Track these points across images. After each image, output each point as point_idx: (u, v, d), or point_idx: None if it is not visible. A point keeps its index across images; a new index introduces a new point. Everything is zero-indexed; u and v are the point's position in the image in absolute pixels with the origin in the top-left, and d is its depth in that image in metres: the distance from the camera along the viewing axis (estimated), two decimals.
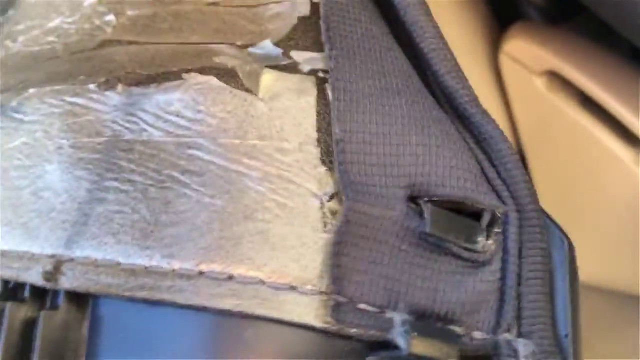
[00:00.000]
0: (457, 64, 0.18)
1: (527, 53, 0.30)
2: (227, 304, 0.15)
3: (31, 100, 0.19)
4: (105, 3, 0.21)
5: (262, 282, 0.15)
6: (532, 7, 0.35)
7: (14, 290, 0.19)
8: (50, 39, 0.22)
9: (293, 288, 0.16)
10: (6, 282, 0.19)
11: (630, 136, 0.27)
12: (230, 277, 0.16)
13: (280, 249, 0.16)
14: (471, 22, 0.33)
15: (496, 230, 0.17)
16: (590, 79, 0.28)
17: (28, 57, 0.22)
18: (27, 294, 0.18)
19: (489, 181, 0.17)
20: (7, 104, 0.20)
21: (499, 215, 0.17)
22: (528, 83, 0.30)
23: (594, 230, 0.30)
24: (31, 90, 0.19)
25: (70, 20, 0.21)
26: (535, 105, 0.31)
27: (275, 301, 0.15)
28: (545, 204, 0.31)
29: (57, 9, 0.22)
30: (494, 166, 0.18)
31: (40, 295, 0.18)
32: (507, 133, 0.32)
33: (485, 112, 0.18)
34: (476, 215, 0.17)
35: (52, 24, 0.22)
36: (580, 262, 0.31)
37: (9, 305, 0.18)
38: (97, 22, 0.20)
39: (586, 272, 0.31)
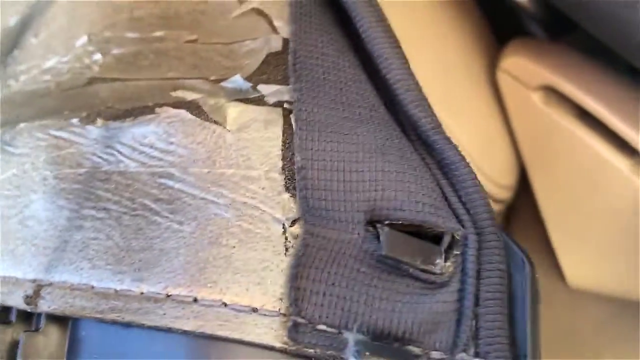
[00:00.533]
0: (421, 93, 0.19)
1: (522, 69, 0.31)
2: (190, 325, 0.16)
3: (22, 134, 0.21)
4: (94, 42, 0.22)
5: (224, 304, 0.16)
6: (533, 21, 0.35)
7: (5, 314, 0.20)
8: (46, 77, 0.23)
9: (254, 310, 0.16)
10: None
11: (628, 147, 0.27)
12: (195, 300, 0.16)
13: (242, 272, 0.17)
14: (470, 39, 0.34)
15: (455, 252, 0.17)
16: (586, 93, 0.29)
17: (25, 94, 0.23)
18: (13, 317, 0.19)
19: (449, 205, 0.18)
20: (1, 138, 0.21)
21: (458, 237, 0.17)
22: (525, 98, 0.31)
23: (594, 239, 0.30)
24: (22, 125, 0.21)
25: (64, 59, 0.23)
26: (533, 119, 0.31)
27: (236, 322, 0.16)
28: (546, 214, 0.31)
29: (54, 49, 0.24)
30: (455, 190, 0.18)
31: (26, 318, 0.19)
32: (508, 147, 0.33)
33: (447, 139, 0.19)
34: (437, 238, 0.18)
35: (48, 64, 0.24)
36: (582, 270, 0.31)
37: None
38: (87, 60, 0.22)
39: (588, 280, 0.31)
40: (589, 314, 0.32)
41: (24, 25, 0.27)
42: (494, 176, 0.31)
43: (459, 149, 0.29)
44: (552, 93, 0.30)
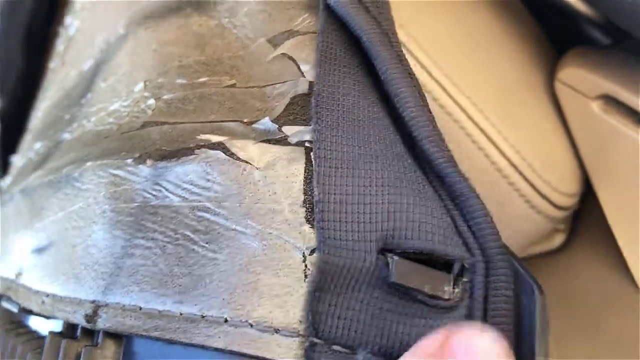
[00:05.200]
0: (435, 129, 0.21)
1: (580, 79, 0.31)
2: (220, 343, 0.18)
3: (88, 172, 0.24)
4: (149, 88, 0.25)
5: (251, 325, 0.18)
6: (593, 26, 0.36)
7: (72, 330, 0.23)
8: (110, 119, 0.26)
9: (276, 331, 0.18)
10: (67, 322, 0.23)
11: None
12: (225, 320, 0.19)
13: (267, 296, 0.19)
14: (529, 51, 0.35)
15: (464, 279, 0.19)
16: None
17: (94, 135, 0.27)
18: (79, 332, 0.22)
19: (460, 234, 0.19)
20: (71, 174, 0.25)
21: (467, 265, 0.19)
22: (584, 108, 0.32)
23: None
24: (88, 163, 0.24)
25: (125, 103, 0.26)
26: (593, 128, 0.32)
27: (260, 342, 0.18)
28: (612, 220, 0.32)
29: (118, 93, 0.27)
30: (465, 220, 0.19)
31: (89, 333, 0.22)
32: (570, 155, 0.33)
33: (458, 172, 0.20)
34: (448, 265, 0.19)
35: (113, 107, 0.27)
36: None
37: (64, 342, 0.22)
38: (142, 105, 0.25)
39: None
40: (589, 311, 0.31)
41: (96, 70, 0.31)
42: (557, 184, 0.32)
43: (521, 159, 0.30)
44: (611, 101, 0.31)
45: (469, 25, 0.33)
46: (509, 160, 0.31)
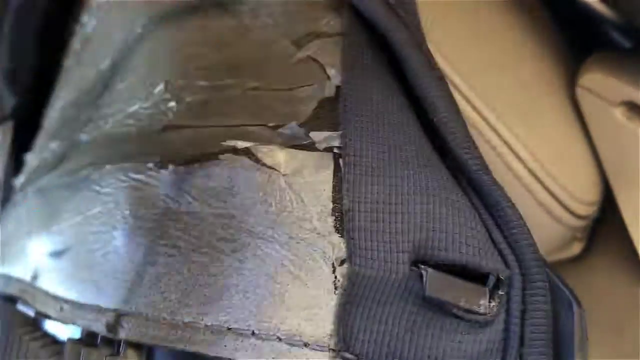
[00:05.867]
0: (467, 135, 0.20)
1: (602, 85, 0.31)
2: (248, 356, 0.18)
3: (107, 175, 0.23)
4: (170, 90, 0.25)
5: (279, 339, 0.18)
6: (615, 30, 0.35)
7: (91, 337, 0.23)
8: (129, 121, 0.26)
9: (306, 345, 0.18)
10: (86, 330, 0.23)
11: None
12: (252, 333, 0.18)
13: (295, 309, 0.18)
14: (549, 57, 0.35)
15: (500, 292, 0.18)
16: None
17: (112, 136, 0.26)
18: (99, 340, 0.22)
19: (495, 245, 0.19)
20: (90, 176, 0.24)
21: (503, 278, 0.18)
22: (606, 114, 0.31)
23: None
24: (107, 166, 0.23)
25: (145, 105, 0.25)
26: (616, 135, 0.31)
27: (289, 356, 0.18)
28: (632, 228, 0.31)
29: (137, 94, 0.26)
30: (501, 231, 0.19)
31: (110, 342, 0.21)
32: (591, 163, 0.33)
33: (493, 180, 0.19)
34: (483, 278, 0.18)
35: (131, 109, 0.26)
36: None
37: (84, 350, 0.21)
38: (163, 107, 0.24)
39: None
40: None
41: (113, 71, 0.30)
42: (576, 192, 0.31)
43: (541, 167, 0.30)
44: (634, 108, 0.30)
45: (490, 31, 0.33)
46: (528, 168, 0.30)
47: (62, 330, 0.26)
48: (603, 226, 0.36)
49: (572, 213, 0.32)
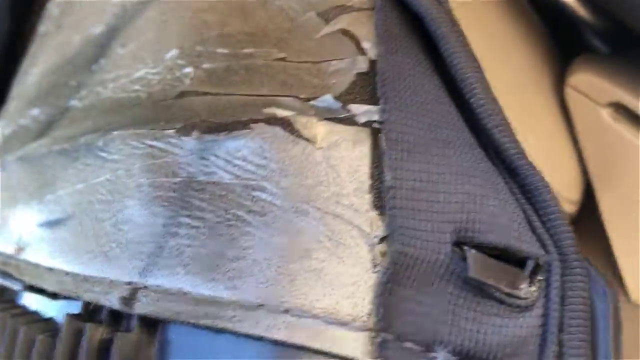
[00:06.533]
0: (504, 118, 0.20)
1: (591, 85, 0.31)
2: (281, 335, 0.17)
3: (115, 141, 0.22)
4: (185, 56, 0.23)
5: (315, 317, 0.17)
6: (596, 35, 0.36)
7: (92, 312, 0.21)
8: (136, 87, 0.24)
9: (343, 324, 0.17)
10: (86, 305, 0.21)
11: None
12: (286, 311, 0.17)
13: (332, 286, 0.17)
14: (537, 56, 0.35)
15: (539, 277, 0.18)
16: None
17: (115, 102, 0.25)
18: (103, 316, 0.20)
19: (533, 230, 0.18)
20: (93, 143, 0.23)
21: (542, 263, 0.18)
22: (593, 114, 0.31)
23: None
24: (115, 132, 0.22)
25: (153, 71, 0.24)
26: (602, 135, 0.31)
27: (326, 335, 0.17)
28: (611, 230, 0.31)
29: (143, 60, 0.25)
30: (539, 216, 0.19)
31: (116, 318, 0.20)
32: (574, 162, 0.33)
33: (531, 165, 0.19)
34: (521, 262, 0.18)
35: (137, 74, 0.25)
36: None
37: (88, 326, 0.20)
38: (177, 73, 0.23)
39: None
40: None
41: (110, 36, 0.28)
42: (560, 191, 0.32)
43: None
44: (621, 109, 0.30)
45: (481, 30, 0.33)
46: None
47: (49, 306, 0.24)
48: (580, 227, 0.37)
49: None
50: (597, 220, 0.33)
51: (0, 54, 0.39)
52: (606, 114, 0.31)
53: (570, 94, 0.32)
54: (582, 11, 0.34)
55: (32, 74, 0.34)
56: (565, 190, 0.32)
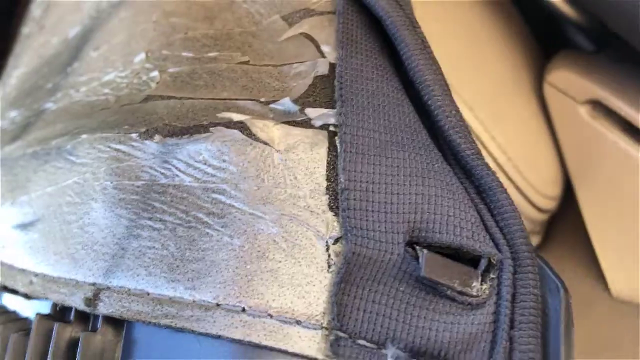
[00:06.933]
0: (461, 119, 0.20)
1: (569, 82, 0.31)
2: (238, 333, 0.17)
3: (83, 145, 0.22)
4: (151, 59, 0.24)
5: (270, 316, 0.17)
6: (578, 31, 0.36)
7: (62, 312, 0.21)
8: (105, 90, 0.25)
9: (298, 322, 0.17)
10: (56, 305, 0.21)
11: None
12: (243, 310, 0.17)
13: (287, 286, 0.18)
14: (517, 52, 0.35)
15: (491, 275, 0.18)
16: (632, 107, 0.29)
17: (86, 105, 0.25)
18: (72, 316, 0.21)
19: (487, 229, 0.19)
20: (63, 146, 0.23)
21: (494, 261, 0.18)
22: (572, 111, 0.32)
23: (639, 250, 0.31)
24: (84, 136, 0.22)
25: (122, 74, 0.24)
26: (580, 132, 0.32)
27: (281, 333, 0.17)
28: (591, 225, 0.32)
29: (113, 63, 0.25)
30: (492, 215, 0.19)
31: (84, 318, 0.21)
32: (554, 158, 0.33)
33: (486, 165, 0.19)
34: (474, 261, 0.18)
35: (107, 77, 0.25)
36: (625, 281, 0.31)
37: (56, 325, 0.20)
38: (144, 77, 0.23)
39: (632, 291, 0.32)
40: (631, 325, 0.32)
41: (84, 38, 0.29)
42: (539, 187, 0.32)
43: (507, 159, 0.30)
44: (599, 106, 0.31)
45: (462, 24, 0.33)
46: (494, 159, 0.31)
47: (26, 306, 0.25)
48: (559, 223, 0.37)
49: (533, 205, 0.33)
50: (578, 215, 0.33)
51: None
52: (584, 111, 0.32)
53: (549, 91, 0.33)
54: (566, 8, 0.34)
55: (13, 76, 0.34)
56: (544, 186, 0.33)
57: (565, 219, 0.36)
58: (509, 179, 0.32)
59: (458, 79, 0.30)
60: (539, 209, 0.33)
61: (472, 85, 0.31)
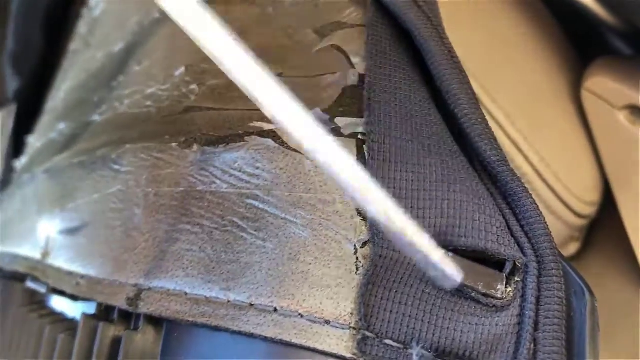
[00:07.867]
0: (487, 127, 0.20)
1: (607, 88, 0.32)
2: (270, 332, 0.18)
3: (126, 154, 0.23)
4: (191, 73, 0.25)
5: (301, 316, 0.18)
6: (617, 36, 0.36)
7: (106, 312, 0.23)
8: (148, 102, 0.26)
9: (327, 322, 0.18)
10: (100, 305, 0.23)
11: None
12: (275, 310, 0.18)
13: (317, 287, 0.18)
14: (555, 58, 0.35)
15: (516, 278, 0.19)
16: None
17: (130, 117, 0.26)
18: (115, 316, 0.22)
19: (512, 233, 0.19)
20: (108, 156, 0.24)
21: (519, 265, 0.19)
22: (610, 117, 0.32)
23: None
24: (127, 146, 0.24)
25: (163, 87, 0.26)
26: (619, 138, 0.32)
27: (310, 332, 0.18)
28: (631, 230, 0.32)
29: (155, 77, 0.27)
30: (518, 220, 0.19)
31: (126, 317, 0.22)
32: (592, 164, 0.33)
33: (511, 171, 0.20)
34: (500, 264, 0.19)
35: (149, 90, 0.26)
36: None
37: (101, 325, 0.21)
38: (184, 90, 0.25)
39: None
40: None
41: (128, 53, 0.30)
42: (578, 192, 0.32)
43: (545, 166, 0.30)
44: (638, 112, 0.31)
45: (499, 31, 0.33)
46: (533, 166, 0.31)
47: (72, 307, 0.26)
48: (600, 229, 0.37)
49: (572, 211, 0.33)
50: (619, 221, 0.33)
51: (35, 70, 0.42)
52: (622, 116, 0.32)
53: (587, 97, 0.33)
54: (602, 13, 0.34)
55: (62, 89, 0.36)
56: (583, 192, 0.33)
57: (606, 225, 0.36)
58: (548, 185, 0.32)
59: (495, 85, 0.31)
60: (578, 215, 0.33)
61: (510, 91, 0.32)
